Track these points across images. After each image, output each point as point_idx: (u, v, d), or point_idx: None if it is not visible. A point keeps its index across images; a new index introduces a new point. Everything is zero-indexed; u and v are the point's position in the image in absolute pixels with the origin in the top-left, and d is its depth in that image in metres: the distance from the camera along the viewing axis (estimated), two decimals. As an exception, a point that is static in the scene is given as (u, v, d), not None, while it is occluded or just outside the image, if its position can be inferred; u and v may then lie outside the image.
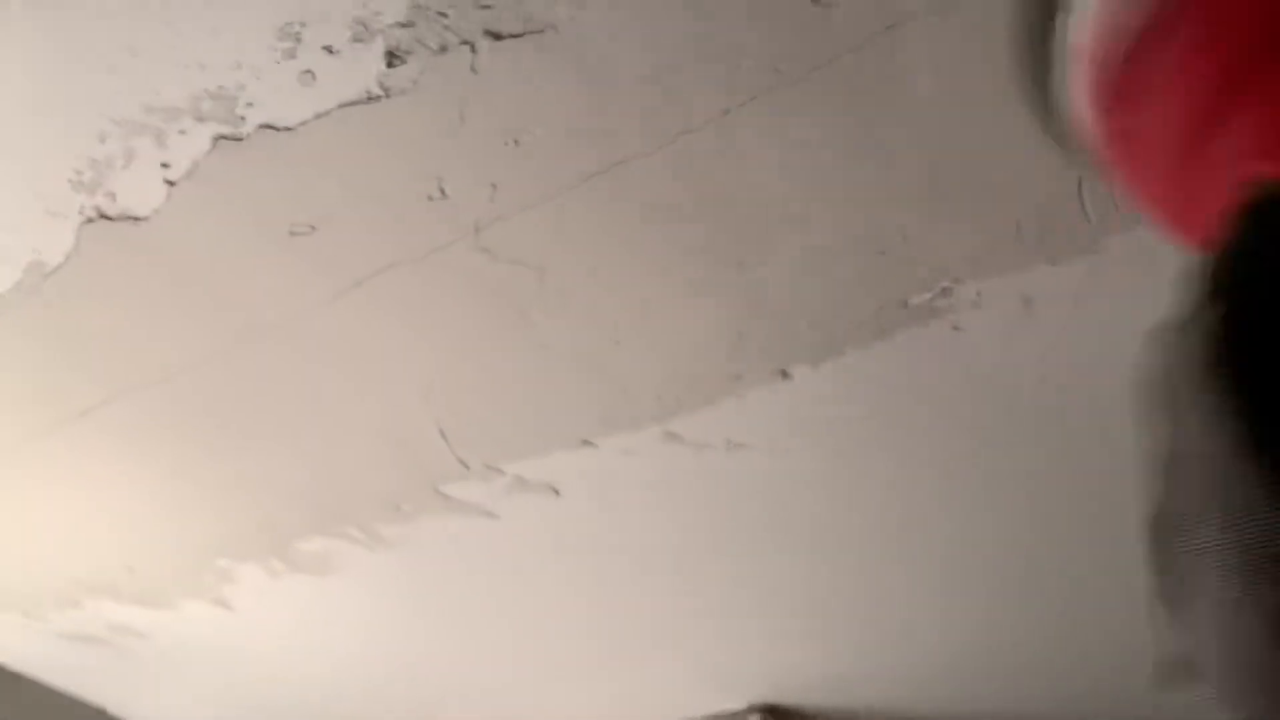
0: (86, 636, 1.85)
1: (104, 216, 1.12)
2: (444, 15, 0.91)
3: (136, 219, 1.11)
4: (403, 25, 0.92)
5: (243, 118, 1.00)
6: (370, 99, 0.98)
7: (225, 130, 1.02)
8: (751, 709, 1.76)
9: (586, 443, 1.33)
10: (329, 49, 0.94)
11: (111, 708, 2.01)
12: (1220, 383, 0.37)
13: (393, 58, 0.94)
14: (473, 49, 0.93)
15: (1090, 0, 0.50)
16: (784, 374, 1.20)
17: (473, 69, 0.94)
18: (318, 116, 1.00)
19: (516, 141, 1.00)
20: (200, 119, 1.01)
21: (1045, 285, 1.06)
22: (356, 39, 0.93)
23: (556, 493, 1.42)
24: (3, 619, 1.83)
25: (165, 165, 1.06)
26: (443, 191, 1.05)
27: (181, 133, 1.03)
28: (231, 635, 1.78)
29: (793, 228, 1.06)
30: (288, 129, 1.01)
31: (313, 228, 1.10)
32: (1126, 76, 0.48)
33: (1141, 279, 1.01)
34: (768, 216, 1.05)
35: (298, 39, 0.94)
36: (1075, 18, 0.51)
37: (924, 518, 1.40)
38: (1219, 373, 0.37)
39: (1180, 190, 0.48)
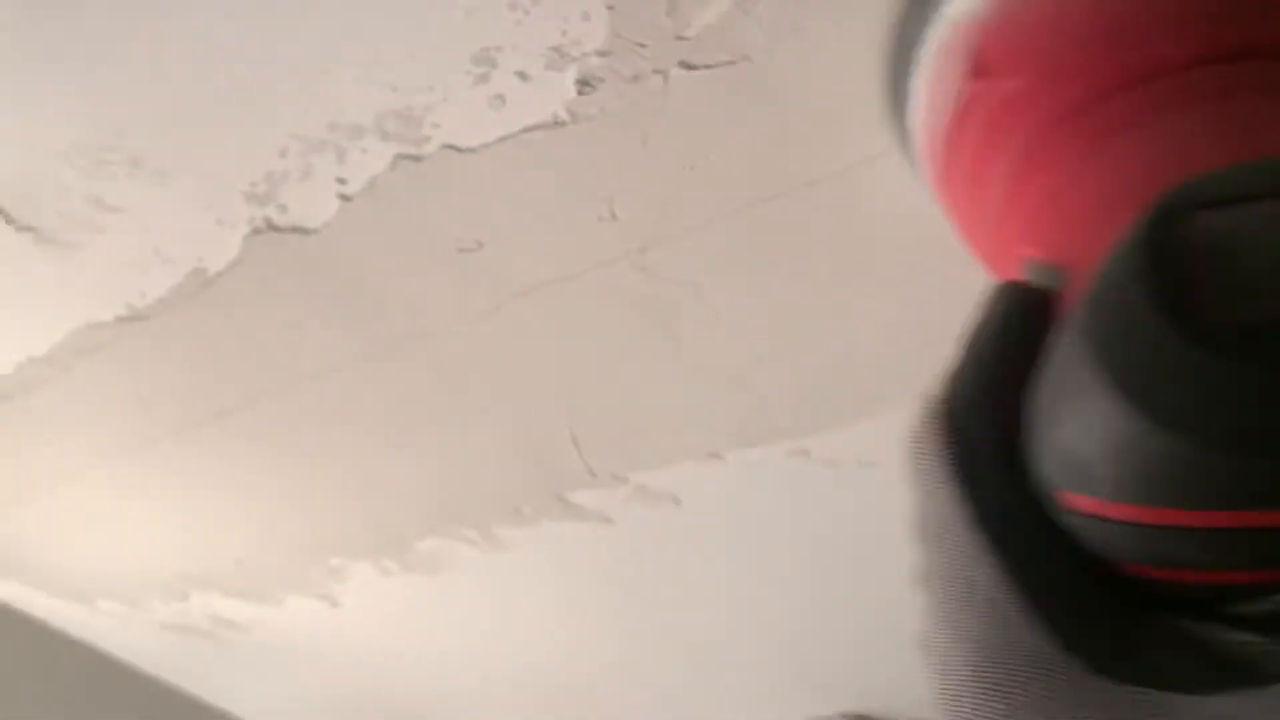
0: (189, 628, 1.89)
1: (272, 228, 1.15)
2: (643, 45, 0.93)
3: (305, 231, 1.14)
4: (600, 54, 0.94)
5: (427, 138, 1.03)
6: (556, 124, 1.00)
7: (407, 150, 1.04)
8: (842, 716, 1.79)
9: (714, 455, 1.36)
10: (522, 75, 0.97)
11: (210, 699, 2.05)
12: (936, 458, 0.40)
13: (584, 85, 0.97)
14: (665, 78, 0.95)
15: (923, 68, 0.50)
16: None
17: (663, 97, 0.96)
18: (500, 139, 1.02)
19: (692, 167, 1.03)
20: (384, 138, 1.04)
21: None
22: (551, 66, 0.96)
23: (677, 502, 1.44)
24: (109, 607, 1.87)
25: (341, 181, 1.09)
26: (613, 213, 1.08)
27: (363, 151, 1.05)
28: (335, 632, 1.81)
29: (946, 252, 1.08)
30: (470, 150, 1.04)
31: (480, 244, 1.12)
32: (948, 159, 0.49)
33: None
34: (927, 243, 1.07)
35: (493, 64, 0.96)
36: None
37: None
38: (935, 449, 0.40)
39: (993, 260, 0.50)
